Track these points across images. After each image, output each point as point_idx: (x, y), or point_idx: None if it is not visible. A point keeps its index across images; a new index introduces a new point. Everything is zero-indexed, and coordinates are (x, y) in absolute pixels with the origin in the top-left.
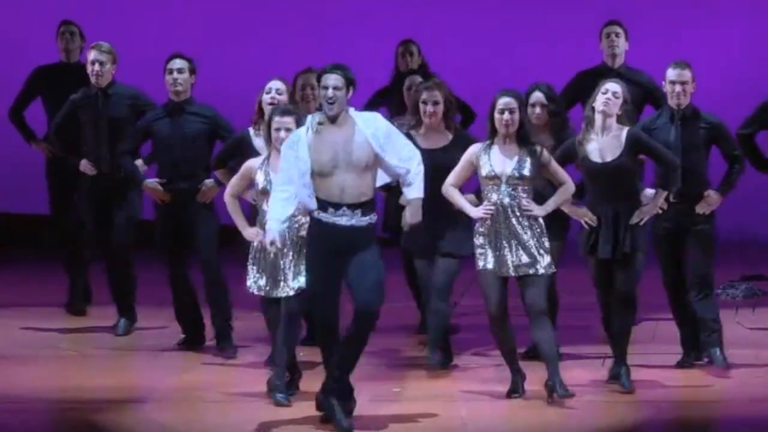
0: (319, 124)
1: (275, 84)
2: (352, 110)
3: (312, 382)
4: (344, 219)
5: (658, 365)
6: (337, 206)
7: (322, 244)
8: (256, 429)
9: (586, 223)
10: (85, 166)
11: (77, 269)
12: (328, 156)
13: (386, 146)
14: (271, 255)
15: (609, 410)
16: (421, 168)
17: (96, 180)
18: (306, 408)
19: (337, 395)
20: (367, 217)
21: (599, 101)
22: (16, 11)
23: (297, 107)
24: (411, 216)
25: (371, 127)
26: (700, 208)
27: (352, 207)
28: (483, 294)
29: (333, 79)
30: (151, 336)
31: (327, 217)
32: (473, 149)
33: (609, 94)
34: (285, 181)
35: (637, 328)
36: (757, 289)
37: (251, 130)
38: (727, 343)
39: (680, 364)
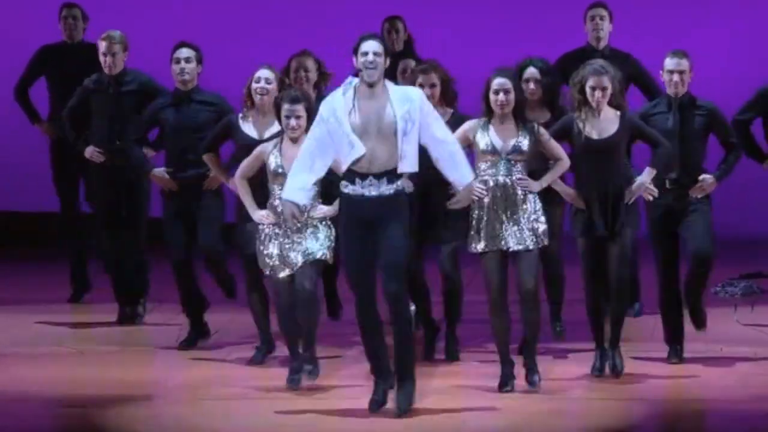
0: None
1: (264, 73)
2: (388, 82)
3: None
4: (371, 189)
5: (658, 359)
6: (363, 177)
7: (352, 219)
8: (261, 425)
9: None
10: (91, 153)
11: (80, 259)
12: (359, 121)
13: (422, 122)
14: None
15: (607, 407)
16: (458, 148)
17: (106, 169)
18: (314, 403)
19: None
20: (394, 185)
21: (590, 99)
22: (16, 8)
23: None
24: (459, 201)
25: (407, 101)
26: (694, 192)
27: (378, 176)
28: (484, 278)
29: (374, 45)
30: (155, 332)
31: (355, 189)
32: (469, 124)
33: (598, 92)
34: (309, 153)
35: (638, 323)
36: (756, 287)
37: (240, 117)
38: (726, 341)
39: (669, 360)
